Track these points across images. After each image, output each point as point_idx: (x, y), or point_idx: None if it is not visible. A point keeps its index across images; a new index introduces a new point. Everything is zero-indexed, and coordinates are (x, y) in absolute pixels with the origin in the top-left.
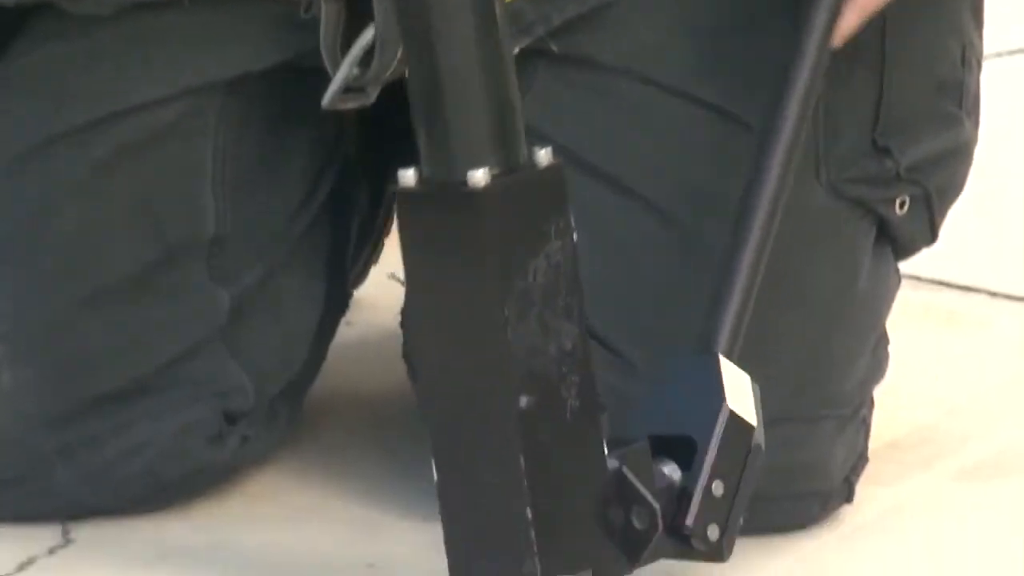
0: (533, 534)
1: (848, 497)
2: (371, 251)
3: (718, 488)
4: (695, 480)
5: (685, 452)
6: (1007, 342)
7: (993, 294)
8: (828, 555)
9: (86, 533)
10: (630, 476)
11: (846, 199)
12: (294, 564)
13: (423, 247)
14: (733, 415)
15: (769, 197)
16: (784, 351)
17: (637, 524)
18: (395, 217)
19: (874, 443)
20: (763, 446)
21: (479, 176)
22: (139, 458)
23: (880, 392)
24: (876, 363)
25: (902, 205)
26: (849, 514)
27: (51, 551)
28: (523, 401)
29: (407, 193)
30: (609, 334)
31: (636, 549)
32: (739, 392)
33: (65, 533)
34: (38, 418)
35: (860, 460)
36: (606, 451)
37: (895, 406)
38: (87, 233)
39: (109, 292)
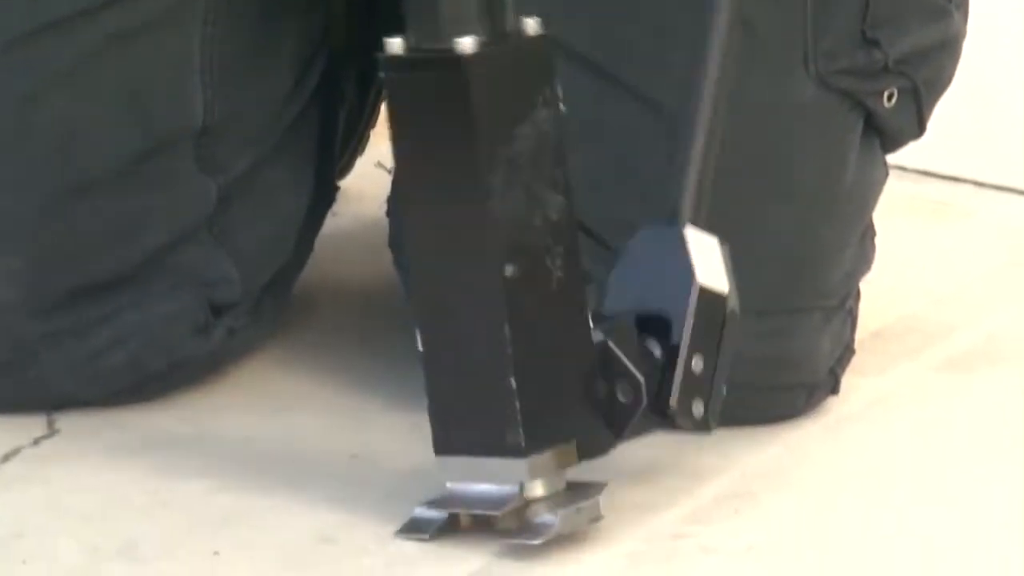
0: (517, 404)
1: (834, 389)
2: (358, 141)
3: (698, 364)
4: (674, 359)
5: (661, 329)
6: (993, 232)
7: (979, 184)
8: (813, 445)
9: (71, 423)
10: (615, 349)
11: (834, 91)
12: (278, 454)
13: (410, 115)
14: (704, 289)
15: (717, 60)
16: (770, 243)
17: (622, 397)
18: (383, 92)
19: (860, 333)
20: (738, 310)
21: (466, 43)
22: (123, 348)
23: (866, 283)
24: (863, 255)
25: (890, 98)
26: (835, 404)
27: (36, 441)
28: (509, 270)
29: (393, 60)
30: (596, 225)
31: (621, 423)
32: (708, 260)
33: (50, 424)
34: (24, 306)
35: (846, 352)
36: (591, 324)
37: (881, 296)
38: (73, 123)
39: (96, 181)
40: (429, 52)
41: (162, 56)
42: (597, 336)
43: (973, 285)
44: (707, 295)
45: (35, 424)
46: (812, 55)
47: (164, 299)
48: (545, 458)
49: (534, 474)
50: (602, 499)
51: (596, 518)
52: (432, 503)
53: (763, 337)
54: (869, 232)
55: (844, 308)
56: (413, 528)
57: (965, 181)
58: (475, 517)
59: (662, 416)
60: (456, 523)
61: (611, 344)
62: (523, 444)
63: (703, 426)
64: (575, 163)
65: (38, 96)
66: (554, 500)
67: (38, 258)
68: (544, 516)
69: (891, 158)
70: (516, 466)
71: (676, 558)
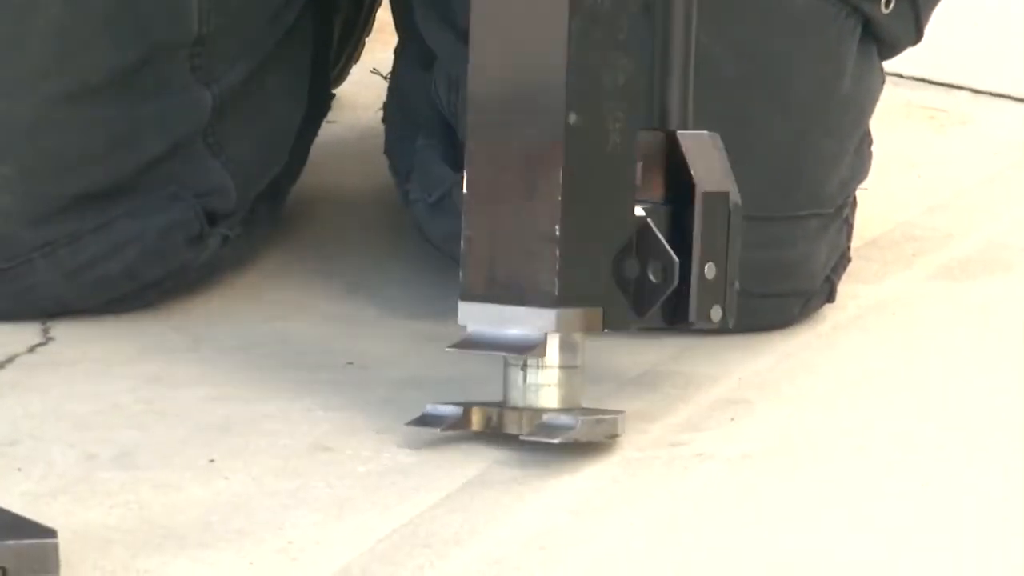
0: (557, 252)
1: (830, 296)
2: (353, 49)
3: (710, 271)
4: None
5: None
6: (989, 139)
7: (976, 91)
8: (809, 352)
9: (66, 332)
10: (654, 228)
11: None
12: (273, 362)
13: None
14: (707, 195)
15: None
16: (767, 151)
17: (653, 277)
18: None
19: (856, 241)
20: (740, 201)
21: None
22: (119, 257)
23: (862, 190)
24: (859, 162)
25: (887, 4)
26: (830, 312)
27: (31, 349)
28: (572, 118)
29: None
30: None
31: (647, 302)
32: (706, 161)
33: (45, 331)
34: (20, 215)
35: (842, 259)
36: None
37: (878, 204)
38: (70, 30)
39: (91, 90)
40: None
41: None
42: (639, 213)
43: (970, 193)
44: (711, 199)
45: (30, 332)
46: None
47: (159, 209)
48: (573, 315)
49: (560, 326)
50: (620, 422)
51: (613, 434)
52: (444, 402)
53: (759, 245)
54: (866, 140)
55: (841, 216)
56: (424, 422)
57: (962, 88)
58: (487, 418)
59: (681, 326)
60: (467, 420)
61: (650, 223)
62: (556, 292)
63: (723, 326)
64: None
65: (35, 3)
66: (574, 411)
67: (32, 166)
68: (562, 418)
69: (888, 66)
70: (544, 315)
71: (672, 465)
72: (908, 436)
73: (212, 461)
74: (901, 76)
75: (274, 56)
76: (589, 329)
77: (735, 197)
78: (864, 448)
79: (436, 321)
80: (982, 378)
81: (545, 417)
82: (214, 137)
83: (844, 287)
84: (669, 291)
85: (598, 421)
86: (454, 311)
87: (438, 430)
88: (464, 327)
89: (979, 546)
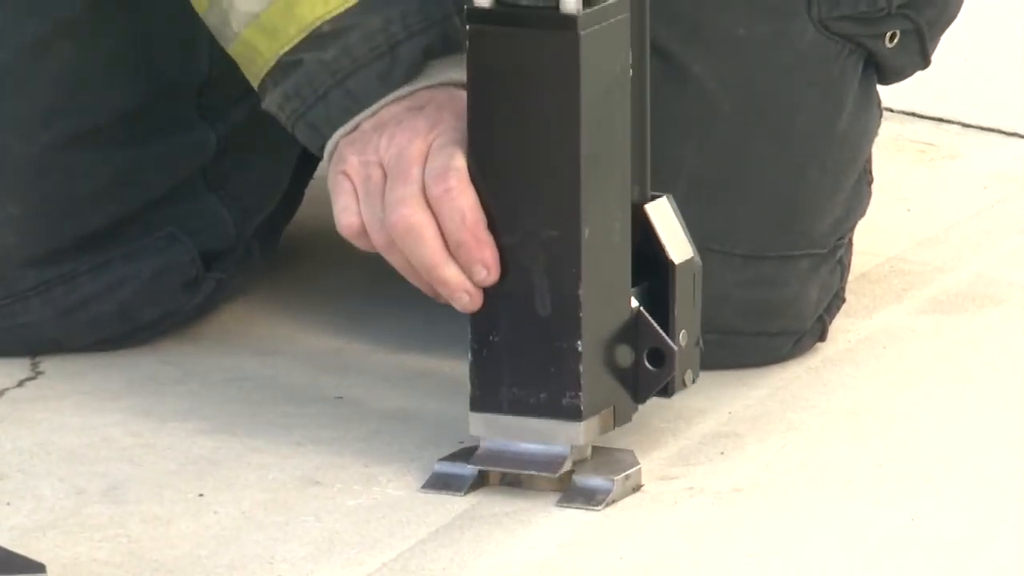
0: (580, 368)
1: (821, 336)
2: None
3: (684, 339)
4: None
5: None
6: (979, 173)
7: (965, 125)
8: (799, 386)
9: (55, 366)
10: (648, 317)
11: (834, 36)
12: (263, 396)
13: (496, 68)
14: (679, 267)
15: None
16: (763, 186)
17: (650, 365)
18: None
19: None
20: (700, 261)
21: (572, 2)
22: (113, 298)
23: None
24: (856, 200)
25: (892, 38)
26: (821, 346)
27: (20, 383)
28: (586, 232)
29: (482, 12)
30: None
31: (645, 389)
32: (669, 229)
33: (34, 366)
34: (21, 254)
35: (835, 300)
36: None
37: (867, 238)
38: (82, 70)
39: (99, 130)
40: (529, 7)
41: (171, 4)
42: (632, 303)
43: (959, 227)
44: (682, 269)
45: (19, 366)
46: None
47: (156, 252)
48: (594, 422)
49: (587, 438)
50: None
51: (638, 486)
52: (453, 457)
53: (750, 284)
54: (864, 178)
55: (834, 257)
56: (440, 484)
57: (950, 122)
58: (503, 473)
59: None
60: (485, 479)
61: (643, 312)
62: (582, 408)
63: (693, 383)
64: None
65: (48, 43)
66: (596, 463)
67: (38, 206)
68: (594, 480)
69: None
70: (570, 429)
71: (662, 499)
72: (898, 470)
73: (201, 495)
74: (891, 110)
75: None
76: (604, 430)
77: (697, 260)
78: (854, 482)
79: (425, 355)
80: (972, 412)
81: (576, 480)
82: (214, 175)
83: (834, 321)
84: (668, 378)
85: (627, 477)
86: (442, 345)
87: (461, 494)
88: (478, 438)
89: None
